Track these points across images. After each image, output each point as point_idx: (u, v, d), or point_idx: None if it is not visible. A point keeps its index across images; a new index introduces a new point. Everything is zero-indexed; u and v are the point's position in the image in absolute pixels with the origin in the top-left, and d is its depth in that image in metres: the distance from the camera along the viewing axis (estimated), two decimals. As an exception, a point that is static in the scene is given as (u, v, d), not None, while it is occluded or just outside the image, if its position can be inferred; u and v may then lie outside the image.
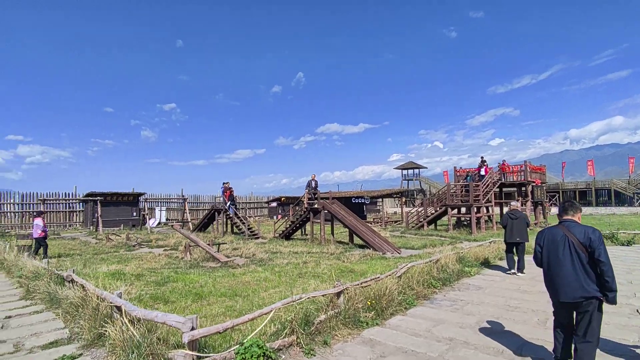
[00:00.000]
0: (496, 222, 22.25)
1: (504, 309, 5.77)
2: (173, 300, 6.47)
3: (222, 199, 21.73)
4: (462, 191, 20.82)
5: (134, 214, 31.83)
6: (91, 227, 27.60)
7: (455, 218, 21.59)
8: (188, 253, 11.93)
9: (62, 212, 30.42)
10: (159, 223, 33.78)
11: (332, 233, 16.09)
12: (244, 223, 20.39)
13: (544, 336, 4.58)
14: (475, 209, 19.41)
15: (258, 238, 18.68)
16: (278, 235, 18.23)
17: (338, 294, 5.19)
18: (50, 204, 27.25)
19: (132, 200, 31.23)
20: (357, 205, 30.97)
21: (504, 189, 25.51)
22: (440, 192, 22.50)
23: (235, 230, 21.43)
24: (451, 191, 20.63)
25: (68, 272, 6.29)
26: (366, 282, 5.83)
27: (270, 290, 7.25)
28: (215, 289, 7.34)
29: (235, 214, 20.60)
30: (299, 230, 19.23)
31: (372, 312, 5.33)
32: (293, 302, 4.43)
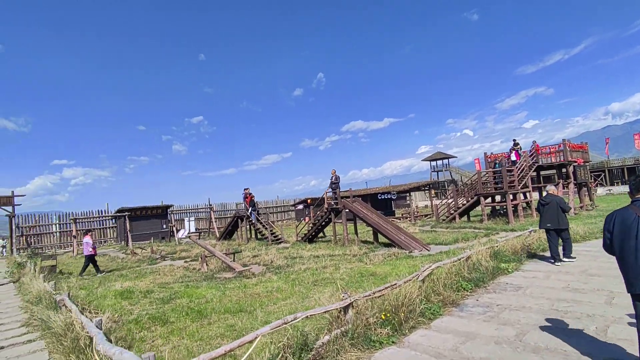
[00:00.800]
0: (535, 209, 20.52)
1: (551, 315, 4.76)
2: (172, 321, 5.94)
3: (243, 205, 21.43)
4: (494, 178, 19.31)
5: (164, 226, 32.43)
6: (122, 242, 28.29)
7: (489, 208, 20.09)
8: (205, 264, 11.53)
9: (97, 229, 31.48)
10: (189, 234, 34.24)
11: (356, 233, 15.26)
12: (266, 228, 19.96)
13: (607, 350, 3.60)
14: (510, 195, 17.89)
15: (281, 243, 18.17)
16: (300, 238, 17.60)
17: (345, 309, 4.42)
18: (81, 222, 28.12)
19: (161, 213, 31.74)
20: (384, 202, 29.90)
21: (541, 172, 23.61)
22: (470, 181, 21.04)
23: (260, 235, 21.07)
24: (482, 179, 19.17)
25: (62, 296, 5.91)
26: (380, 290, 5.01)
27: (280, 303, 6.58)
28: (222, 304, 6.76)
29: (257, 220, 20.20)
30: (323, 232, 18.53)
31: (388, 328, 4.51)
32: (285, 324, 3.71)
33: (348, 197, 15.74)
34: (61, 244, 29.65)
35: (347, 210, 15.04)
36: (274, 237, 19.32)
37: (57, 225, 30.35)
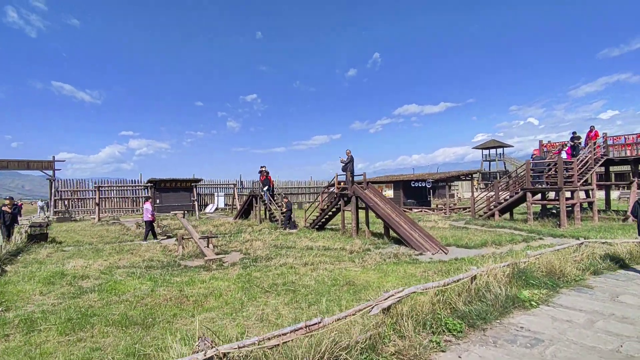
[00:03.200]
0: (599, 211, 16.93)
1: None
2: (38, 329, 4.53)
3: (258, 184, 20.11)
4: (547, 170, 16.03)
5: (192, 199, 32.52)
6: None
7: (538, 206, 16.86)
8: (181, 247, 10.26)
9: (129, 198, 32.25)
10: (217, 209, 34.07)
11: (367, 224, 13.19)
12: (279, 210, 18.50)
13: None
14: (567, 193, 14.67)
15: (291, 227, 16.63)
16: (309, 225, 15.89)
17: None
18: (104, 190, 28.88)
19: (189, 186, 31.73)
20: (418, 190, 27.16)
21: (611, 168, 19.54)
22: (517, 172, 17.78)
23: (280, 216, 19.63)
24: (532, 170, 15.94)
25: None
26: (282, 335, 3.12)
27: (198, 317, 4.94)
28: (130, 307, 5.28)
29: (270, 201, 18.77)
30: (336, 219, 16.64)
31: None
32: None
33: (360, 182, 13.63)
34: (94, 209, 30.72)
35: (358, 197, 12.97)
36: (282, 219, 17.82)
37: (93, 191, 31.40)
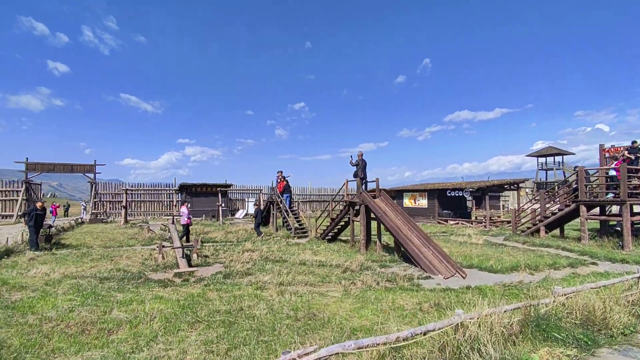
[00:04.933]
0: (678, 231, 13.74)
1: None
2: None
3: (275, 190, 19.12)
4: (607, 180, 13.29)
5: (223, 204, 32.57)
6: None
7: (595, 222, 14.03)
8: (161, 256, 9.41)
9: (161, 202, 32.96)
10: (246, 214, 33.78)
11: (379, 237, 11.52)
12: (293, 218, 17.36)
13: None
14: (634, 207, 11.94)
15: (303, 237, 15.40)
16: (319, 235, 14.50)
17: None
18: (132, 193, 29.61)
19: (219, 191, 31.87)
20: (456, 200, 24.65)
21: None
22: (568, 181, 15.03)
23: (295, 224, 18.47)
24: (586, 179, 13.25)
25: None
26: None
27: (75, 357, 3.84)
28: (20, 332, 4.32)
29: (285, 208, 17.67)
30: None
31: None
32: None
33: (373, 190, 12.03)
34: (131, 211, 31.71)
35: (367, 206, 11.40)
36: (300, 229, 16.63)
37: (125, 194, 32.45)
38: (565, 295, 4.62)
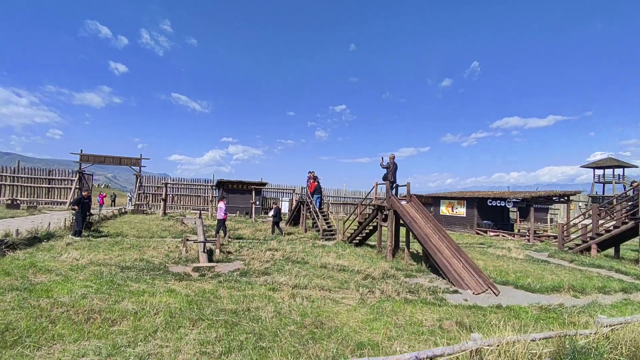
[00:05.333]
0: None
1: None
2: None
3: (306, 190, 18.98)
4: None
5: (257, 202, 33.15)
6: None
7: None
8: (185, 248, 9.53)
9: (200, 196, 34.12)
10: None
11: (408, 245, 10.94)
12: (322, 219, 17.11)
13: None
14: None
15: (331, 239, 15.10)
16: (346, 238, 14.11)
17: None
18: (171, 187, 30.70)
19: (255, 189, 32.53)
20: (497, 210, 23.17)
21: None
22: (627, 195, 13.45)
23: (324, 225, 18.24)
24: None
25: None
26: None
27: (73, 345, 3.82)
28: (29, 315, 4.41)
29: (315, 210, 17.46)
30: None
31: None
32: None
33: (404, 197, 11.46)
34: (171, 204, 33.10)
35: (395, 211, 10.88)
36: (329, 231, 16.35)
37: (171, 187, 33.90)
38: (610, 326, 3.95)
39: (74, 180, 29.05)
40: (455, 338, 4.53)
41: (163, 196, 23.98)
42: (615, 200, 13.80)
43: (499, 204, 21.80)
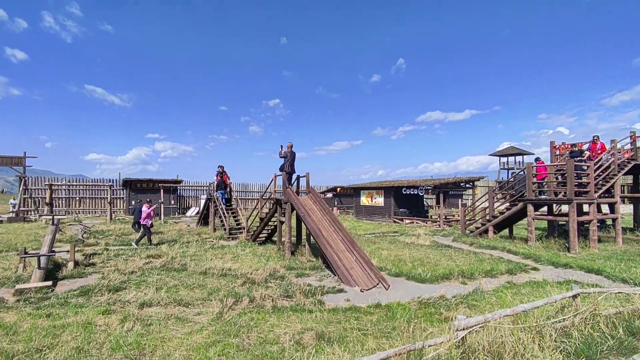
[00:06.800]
0: (625, 230, 13.30)
1: None
2: None
3: (213, 186, 17.38)
4: (556, 177, 12.55)
5: (172, 202, 30.47)
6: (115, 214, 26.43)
7: (544, 222, 13.31)
8: (21, 264, 7.55)
9: (105, 198, 30.26)
10: (198, 212, 31.69)
11: (309, 240, 10.10)
12: (230, 217, 15.74)
13: None
14: (585, 206, 11.24)
15: (234, 238, 13.80)
16: (250, 236, 12.96)
17: None
18: (70, 189, 27.02)
19: (169, 188, 29.83)
20: (412, 197, 23.78)
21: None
22: (515, 178, 14.24)
23: (233, 223, 16.76)
24: (534, 177, 12.43)
25: None
26: None
27: None
28: None
29: (220, 207, 15.98)
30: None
31: None
32: None
33: (305, 189, 10.61)
34: (67, 209, 28.86)
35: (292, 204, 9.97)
36: (237, 229, 15.04)
37: (66, 190, 29.60)
38: (467, 328, 3.35)
39: None
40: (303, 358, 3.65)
41: (47, 200, 20.47)
42: (506, 184, 14.54)
43: (412, 192, 22.32)
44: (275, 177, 11.09)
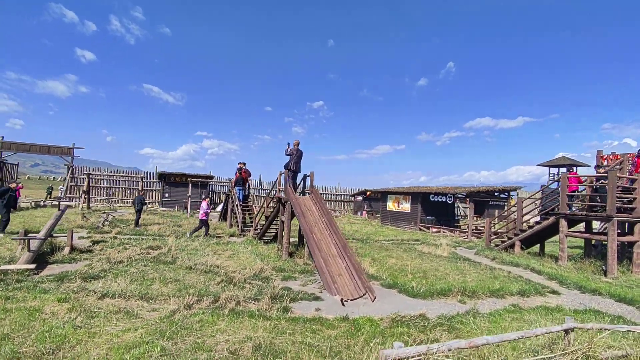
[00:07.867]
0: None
1: None
2: None
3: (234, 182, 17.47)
4: (594, 189, 11.09)
5: (202, 196, 31.38)
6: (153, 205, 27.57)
7: (578, 239, 11.82)
8: (20, 247, 7.85)
9: (134, 189, 31.77)
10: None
11: (308, 241, 9.67)
12: (245, 213, 15.71)
13: None
14: (618, 224, 9.81)
15: (245, 235, 13.70)
16: (256, 234, 12.77)
17: None
18: (94, 179, 28.74)
19: (201, 183, 30.89)
20: (441, 205, 22.49)
21: None
22: (543, 192, 12.75)
23: (248, 220, 16.75)
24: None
25: None
26: None
27: None
28: None
29: (237, 204, 15.99)
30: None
31: None
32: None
33: (310, 189, 10.21)
34: (106, 198, 30.62)
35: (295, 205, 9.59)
36: (250, 225, 14.96)
37: (106, 180, 31.42)
38: (400, 360, 2.75)
39: (-8, 170, 26.21)
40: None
41: (85, 188, 21.79)
42: (540, 193, 13.11)
43: (440, 199, 21.08)
44: (280, 175, 10.79)
